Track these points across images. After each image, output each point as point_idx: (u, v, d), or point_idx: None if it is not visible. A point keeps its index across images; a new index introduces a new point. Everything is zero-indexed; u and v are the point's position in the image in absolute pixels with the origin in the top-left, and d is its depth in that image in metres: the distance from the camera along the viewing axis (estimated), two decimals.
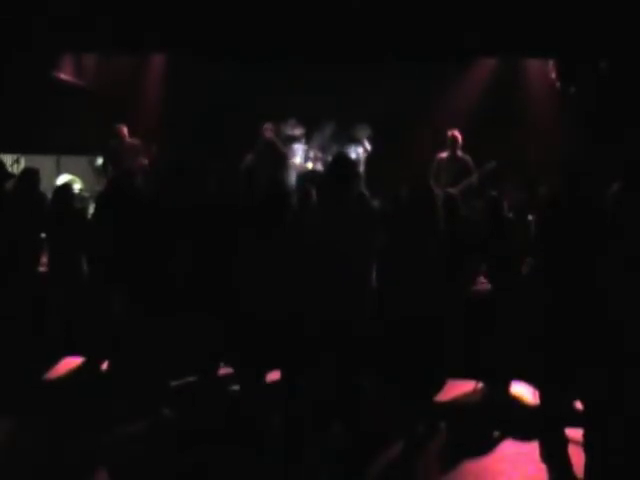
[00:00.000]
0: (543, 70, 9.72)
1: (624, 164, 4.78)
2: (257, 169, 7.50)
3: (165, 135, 9.90)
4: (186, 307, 5.75)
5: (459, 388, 6.13)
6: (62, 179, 8.97)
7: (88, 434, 5.28)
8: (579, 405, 5.11)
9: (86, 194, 9.17)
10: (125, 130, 9.35)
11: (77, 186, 9.09)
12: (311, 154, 9.95)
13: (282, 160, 9.68)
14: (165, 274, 5.77)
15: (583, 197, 4.90)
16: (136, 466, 4.90)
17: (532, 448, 5.03)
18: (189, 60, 9.96)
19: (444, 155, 8.94)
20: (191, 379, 6.11)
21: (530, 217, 6.84)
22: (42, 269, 6.88)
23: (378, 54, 8.80)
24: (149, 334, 5.84)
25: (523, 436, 5.32)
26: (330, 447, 5.08)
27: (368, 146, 9.88)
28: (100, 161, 9.82)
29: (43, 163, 8.67)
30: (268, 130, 9.65)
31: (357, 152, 9.77)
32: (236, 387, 5.83)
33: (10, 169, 8.96)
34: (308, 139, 10.07)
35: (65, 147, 9.93)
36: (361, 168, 9.64)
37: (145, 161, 8.99)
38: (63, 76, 10.10)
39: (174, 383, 6.10)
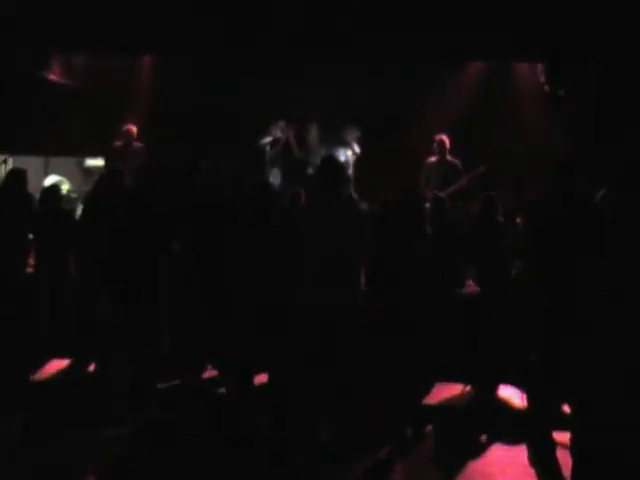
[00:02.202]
0: (532, 73, 9.75)
1: (624, 165, 4.79)
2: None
3: (154, 136, 9.85)
4: (176, 309, 5.74)
5: (447, 391, 6.13)
6: (50, 180, 8.94)
7: (75, 436, 5.25)
8: (567, 408, 5.13)
9: (74, 195, 9.14)
10: (135, 131, 9.25)
11: (65, 187, 9.06)
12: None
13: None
14: (156, 275, 5.76)
15: (579, 200, 4.93)
16: (124, 469, 4.87)
17: (520, 451, 5.05)
18: (177, 60, 9.93)
19: (433, 159, 8.95)
20: (177, 381, 6.09)
21: (518, 220, 6.84)
22: (29, 270, 6.85)
23: (370, 54, 8.83)
24: (139, 335, 5.82)
25: (511, 440, 5.32)
26: (317, 450, 5.08)
27: (357, 149, 9.88)
28: (90, 162, 9.80)
29: (31, 164, 8.61)
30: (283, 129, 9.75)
31: (346, 155, 9.76)
32: (222, 389, 5.83)
33: None
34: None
35: (53, 148, 9.88)
36: (350, 171, 9.65)
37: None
38: (52, 77, 10.03)
39: (162, 385, 6.08)
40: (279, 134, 9.89)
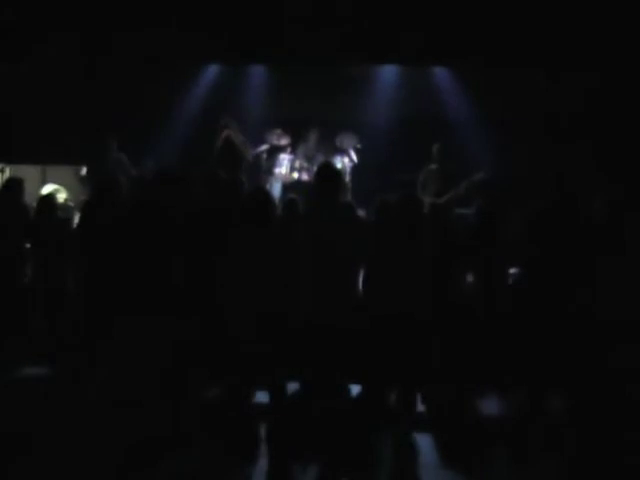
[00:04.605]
0: (530, 78, 9.77)
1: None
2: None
3: (151, 142, 9.87)
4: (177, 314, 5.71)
5: (438, 394, 6.10)
6: (47, 189, 8.94)
7: (72, 443, 5.20)
8: (555, 407, 5.16)
9: (71, 204, 9.14)
10: (114, 142, 9.29)
11: (62, 196, 9.06)
12: (297, 164, 9.93)
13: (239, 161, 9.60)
14: (156, 283, 5.73)
15: (576, 207, 4.97)
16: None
17: (506, 451, 5.06)
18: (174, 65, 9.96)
19: (432, 166, 8.97)
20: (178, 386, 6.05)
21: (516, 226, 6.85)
22: (26, 280, 6.84)
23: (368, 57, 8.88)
24: (138, 341, 5.79)
25: (505, 440, 5.32)
26: (315, 456, 5.07)
27: (354, 156, 9.89)
28: (84, 171, 9.80)
29: (28, 173, 8.62)
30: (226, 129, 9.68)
31: (343, 162, 9.78)
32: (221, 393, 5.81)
33: None
34: (294, 149, 10.07)
35: (50, 156, 9.89)
36: (347, 178, 9.66)
37: (133, 172, 9.00)
38: None
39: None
40: (275, 142, 9.90)
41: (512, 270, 6.18)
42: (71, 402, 5.81)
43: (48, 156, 9.85)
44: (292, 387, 5.60)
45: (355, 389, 5.66)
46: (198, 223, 5.79)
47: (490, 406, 5.95)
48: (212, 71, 10.49)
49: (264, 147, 9.95)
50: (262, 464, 5.00)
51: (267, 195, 5.65)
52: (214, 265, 5.52)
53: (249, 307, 5.22)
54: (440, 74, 10.28)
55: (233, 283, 5.32)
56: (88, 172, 9.48)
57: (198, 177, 6.39)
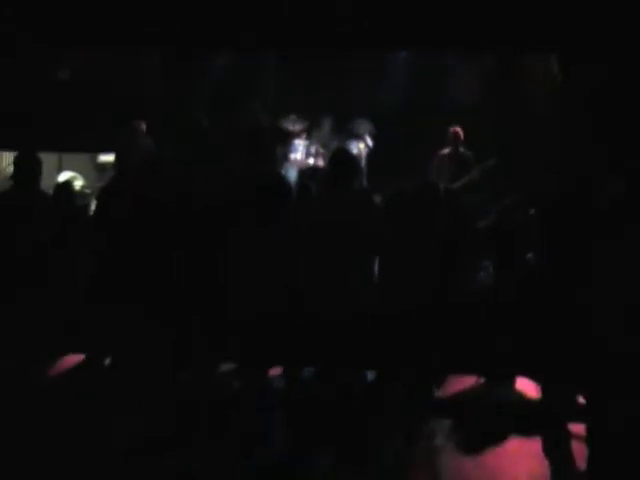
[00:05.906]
0: (544, 64, 9.70)
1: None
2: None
3: (164, 133, 9.88)
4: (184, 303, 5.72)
5: (460, 383, 6.11)
6: (63, 176, 8.98)
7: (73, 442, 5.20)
8: (582, 399, 5.12)
9: (88, 191, 9.18)
10: (142, 127, 9.29)
11: (79, 183, 9.11)
12: (312, 150, 9.94)
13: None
14: (165, 272, 5.74)
15: (583, 200, 4.93)
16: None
17: (534, 443, 5.03)
18: (186, 55, 9.94)
19: (446, 151, 8.95)
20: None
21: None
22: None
23: (378, 43, 8.82)
24: (149, 331, 5.81)
25: (525, 431, 5.31)
26: (329, 442, 5.08)
27: (369, 141, 9.88)
28: (103, 158, 9.84)
29: (44, 160, 8.63)
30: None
31: (358, 148, 9.77)
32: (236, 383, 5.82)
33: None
34: (309, 135, 10.07)
35: (67, 144, 9.91)
36: (362, 164, 9.65)
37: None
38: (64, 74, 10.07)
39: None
40: (290, 127, 9.89)
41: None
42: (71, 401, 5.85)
43: (64, 143, 9.87)
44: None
45: (370, 375, 5.68)
46: (200, 220, 5.76)
47: (504, 393, 5.99)
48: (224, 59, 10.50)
49: None
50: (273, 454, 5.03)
51: (282, 183, 5.62)
52: (217, 261, 5.50)
53: (256, 301, 5.21)
54: (453, 59, 10.25)
55: (241, 276, 5.30)
56: (116, 156, 9.45)
57: (206, 171, 6.38)
